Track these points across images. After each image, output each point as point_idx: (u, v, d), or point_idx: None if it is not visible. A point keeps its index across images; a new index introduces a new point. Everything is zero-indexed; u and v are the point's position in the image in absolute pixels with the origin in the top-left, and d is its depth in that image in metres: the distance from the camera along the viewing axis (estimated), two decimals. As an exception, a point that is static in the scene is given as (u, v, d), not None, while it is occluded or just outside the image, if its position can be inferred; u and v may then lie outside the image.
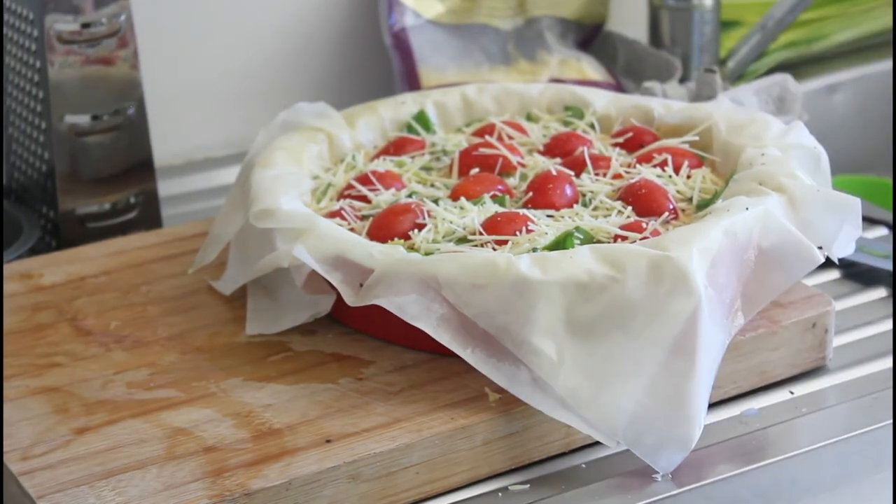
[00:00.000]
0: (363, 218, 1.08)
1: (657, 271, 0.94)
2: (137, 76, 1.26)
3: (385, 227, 1.05)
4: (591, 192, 1.08)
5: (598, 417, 0.93)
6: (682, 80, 1.46)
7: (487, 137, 1.16)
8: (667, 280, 0.94)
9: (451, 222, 1.04)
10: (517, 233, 1.01)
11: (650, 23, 1.51)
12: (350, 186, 1.12)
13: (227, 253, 1.12)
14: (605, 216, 1.05)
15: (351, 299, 0.99)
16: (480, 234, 1.02)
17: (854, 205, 1.04)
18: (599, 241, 1.01)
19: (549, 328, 0.94)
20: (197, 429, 0.96)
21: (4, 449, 0.94)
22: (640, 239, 1.00)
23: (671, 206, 1.06)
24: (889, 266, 1.18)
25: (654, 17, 1.50)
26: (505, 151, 1.13)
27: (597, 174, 1.11)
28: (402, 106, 1.22)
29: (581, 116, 1.20)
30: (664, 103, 1.20)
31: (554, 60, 1.48)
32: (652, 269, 0.94)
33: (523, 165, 1.13)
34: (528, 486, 0.96)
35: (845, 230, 1.04)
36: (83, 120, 1.24)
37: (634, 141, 1.16)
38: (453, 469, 0.95)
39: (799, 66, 1.57)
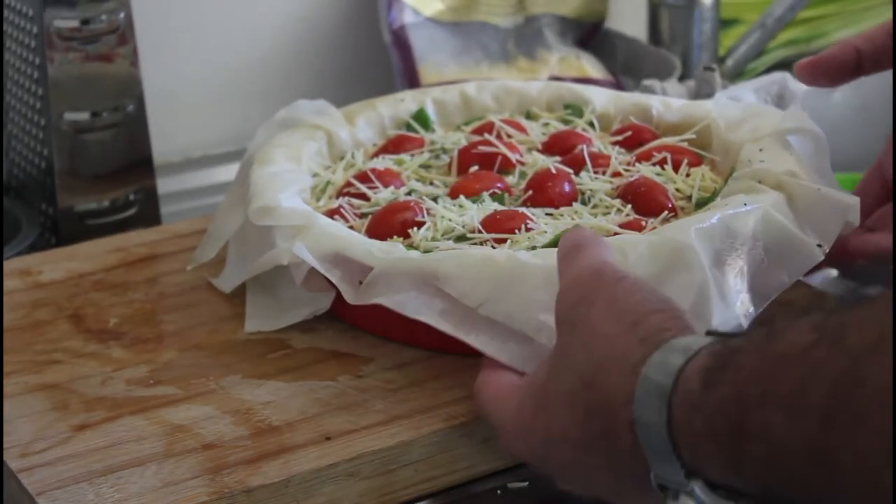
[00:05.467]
0: (362, 216, 1.08)
1: (657, 251, 0.93)
2: (137, 73, 1.26)
3: (384, 225, 1.04)
4: (591, 190, 1.08)
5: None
6: (682, 78, 1.46)
7: (486, 135, 1.16)
8: (667, 255, 0.93)
9: (450, 220, 1.04)
10: (516, 231, 1.01)
11: (649, 21, 1.51)
12: (349, 184, 1.12)
13: (227, 250, 1.12)
14: (605, 214, 1.05)
15: (351, 297, 0.99)
16: (480, 232, 1.02)
17: (853, 203, 1.03)
18: (598, 239, 1.01)
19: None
20: (196, 426, 0.96)
21: (3, 446, 0.94)
22: (640, 237, 1.00)
23: (670, 205, 1.06)
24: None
25: (654, 14, 1.50)
26: (504, 149, 1.13)
27: (596, 172, 1.10)
28: (402, 103, 1.22)
29: (580, 114, 1.20)
30: (663, 101, 1.19)
31: (553, 58, 1.48)
32: (652, 251, 0.93)
33: (522, 163, 1.13)
34: (527, 483, 0.96)
35: (844, 228, 1.04)
36: (82, 117, 1.24)
37: (634, 139, 1.16)
38: (452, 466, 0.95)
39: (798, 65, 1.57)
